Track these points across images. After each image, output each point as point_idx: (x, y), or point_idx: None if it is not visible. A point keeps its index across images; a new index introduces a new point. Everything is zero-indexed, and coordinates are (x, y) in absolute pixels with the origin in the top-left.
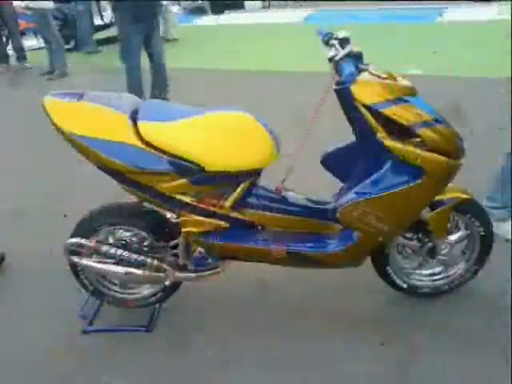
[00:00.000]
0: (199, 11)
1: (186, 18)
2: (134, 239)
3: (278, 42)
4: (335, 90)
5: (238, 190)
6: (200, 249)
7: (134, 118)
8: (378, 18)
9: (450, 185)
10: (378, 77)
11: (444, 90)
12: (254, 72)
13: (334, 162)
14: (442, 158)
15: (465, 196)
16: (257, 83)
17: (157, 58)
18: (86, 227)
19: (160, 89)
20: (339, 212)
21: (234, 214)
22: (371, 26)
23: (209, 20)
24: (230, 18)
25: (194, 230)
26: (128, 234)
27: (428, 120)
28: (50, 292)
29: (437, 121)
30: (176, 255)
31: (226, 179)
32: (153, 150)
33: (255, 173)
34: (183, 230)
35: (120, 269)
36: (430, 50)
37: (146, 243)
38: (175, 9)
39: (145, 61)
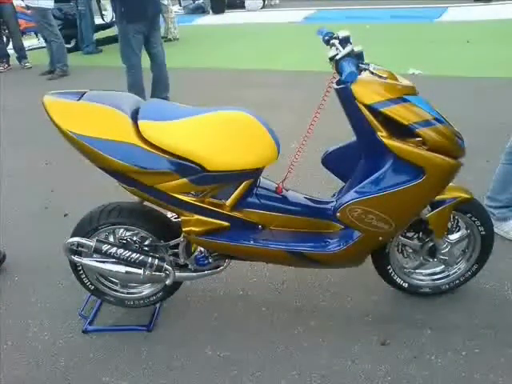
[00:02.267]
0: (200, 11)
1: (187, 17)
2: (135, 239)
3: (278, 42)
4: (336, 90)
5: (239, 189)
6: (200, 248)
7: (134, 117)
8: (377, 17)
9: (450, 184)
10: (379, 76)
11: (443, 90)
12: (254, 71)
13: (335, 162)
14: (443, 158)
15: (465, 195)
16: (257, 82)
17: (157, 58)
18: (86, 226)
19: (161, 88)
20: (339, 211)
21: (235, 214)
22: (371, 26)
23: (209, 20)
24: (230, 17)
25: (194, 229)
26: (128, 233)
27: (429, 119)
28: (50, 291)
29: (437, 120)
30: (176, 254)
31: (227, 179)
32: (153, 150)
33: (256, 172)
34: (184, 229)
35: (120, 268)
36: (429, 49)
37: (146, 242)
38: (176, 8)
39: (145, 60)
